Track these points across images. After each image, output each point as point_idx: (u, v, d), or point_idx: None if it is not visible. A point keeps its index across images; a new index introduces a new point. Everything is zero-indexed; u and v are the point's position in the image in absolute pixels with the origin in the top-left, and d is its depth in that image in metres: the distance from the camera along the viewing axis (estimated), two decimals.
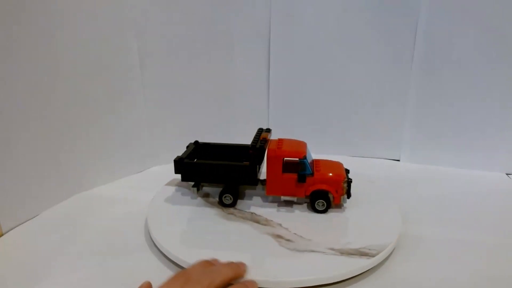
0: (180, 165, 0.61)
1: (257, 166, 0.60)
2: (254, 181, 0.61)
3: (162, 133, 0.80)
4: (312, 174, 0.59)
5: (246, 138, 0.85)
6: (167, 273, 0.51)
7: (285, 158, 0.59)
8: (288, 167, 0.59)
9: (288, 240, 0.54)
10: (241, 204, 0.63)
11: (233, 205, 0.63)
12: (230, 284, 0.44)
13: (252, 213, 0.61)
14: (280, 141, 0.62)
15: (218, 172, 0.61)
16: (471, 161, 0.80)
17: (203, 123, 0.82)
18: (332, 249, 0.52)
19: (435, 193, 0.72)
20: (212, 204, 0.63)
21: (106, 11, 0.67)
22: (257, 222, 0.59)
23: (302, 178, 0.59)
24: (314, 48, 0.81)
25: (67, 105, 0.65)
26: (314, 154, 0.63)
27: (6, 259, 0.54)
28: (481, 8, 0.71)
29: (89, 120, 0.69)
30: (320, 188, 0.59)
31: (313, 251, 0.52)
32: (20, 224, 0.61)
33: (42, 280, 0.50)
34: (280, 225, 0.58)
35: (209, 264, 0.46)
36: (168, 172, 0.67)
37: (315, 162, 0.63)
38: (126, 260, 0.53)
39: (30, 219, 0.62)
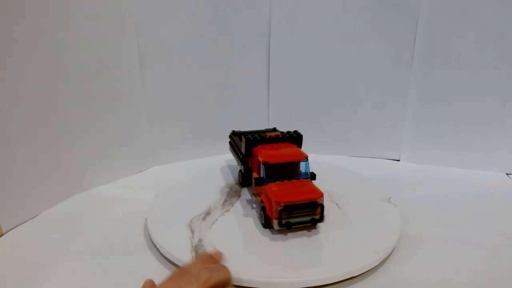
0: (230, 135, 0.73)
1: (249, 155, 0.63)
2: (245, 168, 0.65)
3: (162, 133, 0.80)
4: (266, 183, 0.56)
5: None
6: (166, 273, 0.50)
7: (258, 158, 0.59)
8: (258, 167, 0.60)
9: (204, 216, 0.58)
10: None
11: (242, 184, 0.67)
12: (226, 285, 0.44)
13: (238, 197, 0.65)
14: (282, 145, 0.62)
15: (237, 151, 0.68)
16: (471, 161, 0.80)
17: (203, 123, 0.83)
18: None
19: (435, 193, 0.72)
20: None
21: (106, 11, 0.67)
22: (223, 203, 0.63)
23: (257, 181, 0.57)
24: (314, 48, 0.81)
25: (67, 105, 0.65)
26: (314, 154, 0.63)
27: (6, 259, 0.54)
28: (481, 8, 0.71)
29: (89, 120, 0.69)
30: (262, 199, 0.56)
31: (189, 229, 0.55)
32: (20, 224, 0.61)
33: (42, 280, 0.50)
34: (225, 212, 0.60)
35: (211, 259, 0.46)
36: (168, 172, 0.67)
37: (300, 181, 0.57)
38: (126, 260, 0.53)
39: (30, 219, 0.63)
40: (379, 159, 0.86)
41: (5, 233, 0.59)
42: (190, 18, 0.76)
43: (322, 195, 0.54)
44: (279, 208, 0.52)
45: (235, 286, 0.45)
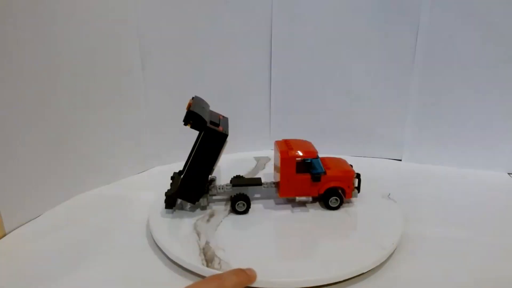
0: None
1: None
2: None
3: (163, 133, 0.80)
4: (325, 173, 0.60)
5: (247, 137, 0.85)
6: (168, 273, 0.51)
7: (297, 159, 0.59)
8: (301, 167, 0.60)
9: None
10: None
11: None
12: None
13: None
14: (287, 142, 0.62)
15: None
16: (472, 160, 0.80)
17: None
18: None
19: (437, 192, 0.72)
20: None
21: (106, 11, 0.67)
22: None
23: (316, 178, 0.60)
24: (316, 48, 0.81)
25: (68, 105, 0.65)
26: None
27: (9, 259, 0.54)
28: (483, 8, 0.71)
29: (91, 120, 0.69)
30: (334, 186, 0.60)
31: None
32: (22, 224, 0.61)
33: (44, 280, 0.50)
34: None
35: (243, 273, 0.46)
36: (170, 172, 0.67)
37: (321, 160, 0.63)
38: (126, 260, 0.54)
39: (32, 219, 0.63)
40: (381, 159, 0.86)
41: (8, 233, 0.59)
42: (192, 19, 0.76)
43: None
44: (357, 178, 0.62)
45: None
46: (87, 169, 0.70)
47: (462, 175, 0.78)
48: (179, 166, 0.66)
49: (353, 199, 0.63)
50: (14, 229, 0.60)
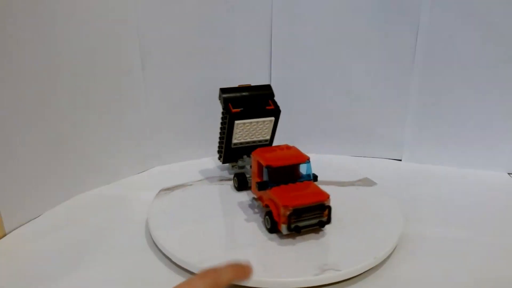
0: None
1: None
2: (227, 139, 0.69)
3: (163, 133, 0.80)
4: (270, 187, 0.55)
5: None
6: (167, 273, 0.51)
7: (258, 160, 0.58)
8: (259, 171, 0.58)
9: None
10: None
11: (238, 189, 0.67)
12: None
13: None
14: (285, 147, 0.61)
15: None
16: (473, 160, 0.80)
17: (205, 123, 0.82)
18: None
19: (437, 192, 0.71)
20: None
21: (106, 11, 0.67)
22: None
23: (260, 186, 0.55)
24: (316, 48, 0.81)
25: (68, 105, 0.65)
26: (315, 154, 0.63)
27: (9, 259, 0.54)
28: (483, 8, 0.71)
29: (90, 120, 0.69)
30: (267, 204, 0.55)
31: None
32: (22, 224, 0.61)
33: (44, 280, 0.50)
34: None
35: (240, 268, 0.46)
36: (170, 172, 0.67)
37: (304, 183, 0.57)
38: (126, 260, 0.54)
39: (32, 219, 0.63)
40: (381, 159, 0.86)
41: (8, 233, 0.59)
42: (192, 19, 0.76)
43: (328, 197, 0.53)
44: (288, 213, 0.51)
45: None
46: (87, 169, 0.70)
47: (462, 175, 0.78)
48: (179, 166, 0.66)
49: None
50: (14, 229, 0.60)
